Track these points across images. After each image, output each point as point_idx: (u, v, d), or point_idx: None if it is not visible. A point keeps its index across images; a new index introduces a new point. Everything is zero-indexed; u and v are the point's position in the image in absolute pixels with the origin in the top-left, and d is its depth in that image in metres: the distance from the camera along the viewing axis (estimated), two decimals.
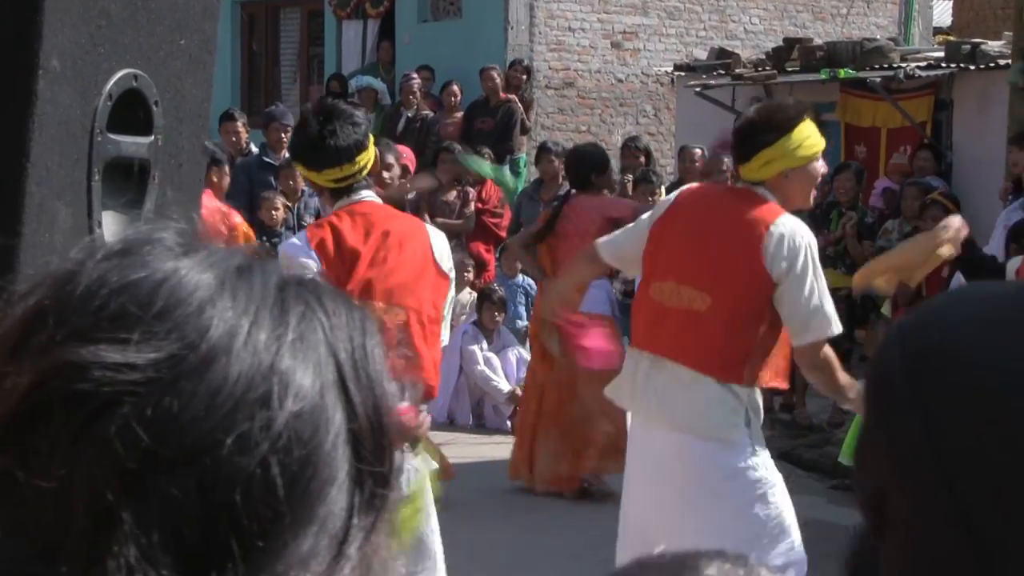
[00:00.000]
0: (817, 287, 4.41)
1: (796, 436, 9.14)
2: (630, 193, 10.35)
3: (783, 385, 4.81)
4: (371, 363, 0.82)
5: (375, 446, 0.81)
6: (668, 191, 10.99)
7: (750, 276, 4.43)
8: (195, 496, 0.75)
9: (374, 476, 0.81)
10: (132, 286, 0.78)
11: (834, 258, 9.52)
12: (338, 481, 0.79)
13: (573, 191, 8.14)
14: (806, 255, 4.41)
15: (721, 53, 13.12)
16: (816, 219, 9.78)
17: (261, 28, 17.34)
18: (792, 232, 4.43)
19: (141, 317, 0.77)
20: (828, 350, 4.50)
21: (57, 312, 0.78)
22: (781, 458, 9.22)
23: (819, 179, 4.66)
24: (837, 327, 4.45)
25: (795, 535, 4.62)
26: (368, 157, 4.38)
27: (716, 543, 4.03)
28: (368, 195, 4.42)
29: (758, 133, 4.53)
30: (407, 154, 10.98)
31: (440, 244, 4.41)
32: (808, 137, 4.55)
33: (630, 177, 10.72)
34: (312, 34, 16.95)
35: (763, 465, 4.57)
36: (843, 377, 4.59)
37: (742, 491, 4.52)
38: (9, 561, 0.75)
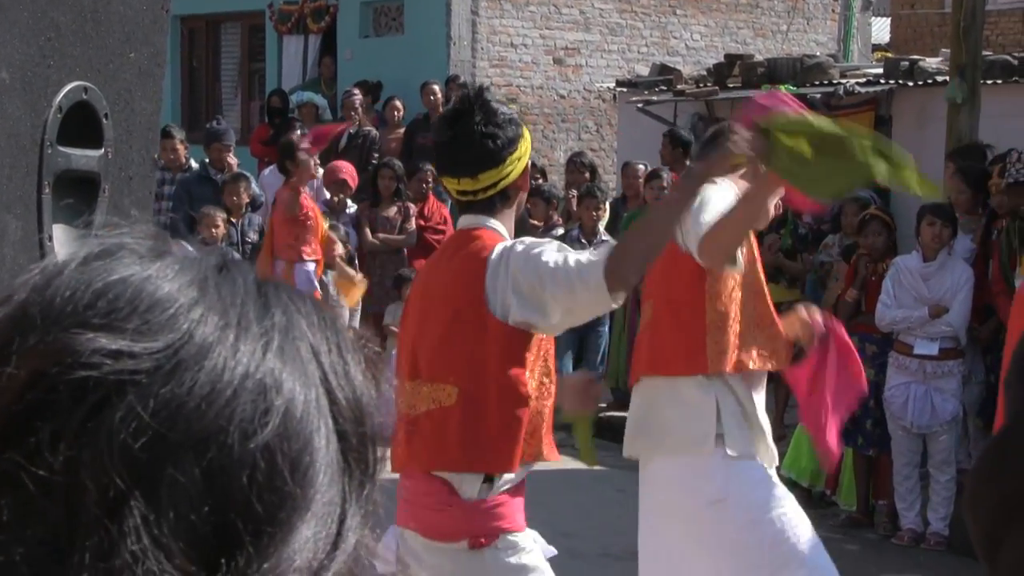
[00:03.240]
0: (707, 207, 3.92)
1: None
2: (574, 208, 10.38)
3: (776, 366, 4.25)
4: (346, 358, 0.84)
5: (359, 440, 0.83)
6: (612, 207, 11.05)
7: (669, 259, 4.03)
8: (203, 483, 0.75)
9: (361, 468, 0.83)
10: (117, 285, 0.79)
11: (772, 272, 9.58)
12: (332, 472, 0.80)
13: None
14: (703, 196, 3.95)
15: (663, 69, 13.19)
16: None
17: (201, 43, 17.22)
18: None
19: (132, 312, 0.78)
20: (717, 229, 3.87)
21: (44, 313, 0.78)
22: None
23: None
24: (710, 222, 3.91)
25: (812, 561, 4.10)
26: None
27: None
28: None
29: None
30: (348, 170, 10.95)
31: None
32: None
33: (575, 192, 10.75)
34: (253, 49, 16.86)
35: (749, 482, 4.08)
36: (737, 209, 3.83)
37: (726, 520, 4.08)
38: (18, 556, 0.75)
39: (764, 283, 4.29)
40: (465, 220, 3.61)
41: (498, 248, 3.47)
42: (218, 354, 0.78)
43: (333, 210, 10.62)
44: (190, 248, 0.85)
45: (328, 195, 10.83)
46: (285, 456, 0.78)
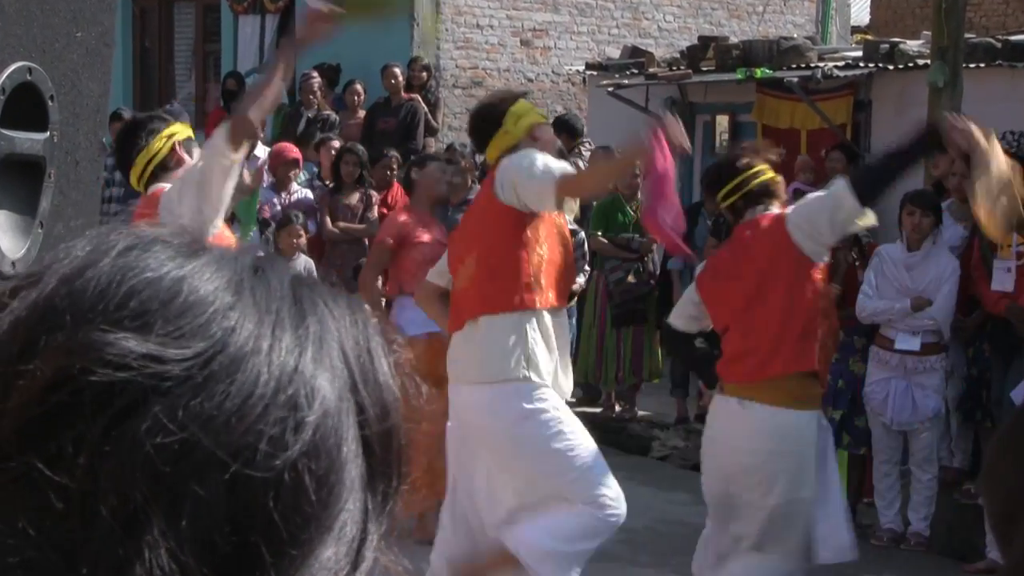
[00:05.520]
0: (534, 159, 4.98)
1: None
2: None
3: (562, 303, 5.25)
4: (377, 365, 0.82)
5: (384, 451, 0.81)
6: None
7: (488, 215, 5.17)
8: (227, 501, 0.74)
9: (385, 482, 0.81)
10: (151, 284, 0.77)
11: None
12: (356, 487, 0.79)
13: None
14: (520, 159, 5.02)
15: (634, 52, 13.08)
16: (720, 227, 9.63)
17: (154, 23, 17.04)
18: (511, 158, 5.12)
19: (165, 315, 0.76)
20: (575, 173, 5.15)
21: (73, 309, 0.76)
22: (696, 469, 9.10)
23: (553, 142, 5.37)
24: (562, 168, 5.04)
25: (604, 472, 5.06)
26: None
27: (528, 489, 5.39)
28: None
29: (484, 128, 5.27)
30: (297, 150, 10.65)
31: None
32: (523, 112, 5.26)
33: None
34: (208, 29, 16.64)
35: (552, 405, 5.05)
36: (608, 161, 5.34)
37: (537, 431, 4.99)
38: (30, 561, 0.73)
39: (566, 231, 5.32)
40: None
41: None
42: (251, 366, 0.76)
43: (279, 190, 10.35)
44: (226, 246, 0.83)
45: (270, 178, 10.57)
46: (312, 474, 0.76)
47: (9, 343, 0.77)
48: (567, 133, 11.50)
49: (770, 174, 5.50)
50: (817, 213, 5.22)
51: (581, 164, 11.19)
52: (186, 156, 4.66)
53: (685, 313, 5.62)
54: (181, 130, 4.82)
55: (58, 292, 0.78)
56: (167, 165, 4.69)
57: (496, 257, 5.09)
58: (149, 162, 4.72)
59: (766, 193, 5.43)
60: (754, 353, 5.30)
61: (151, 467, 0.73)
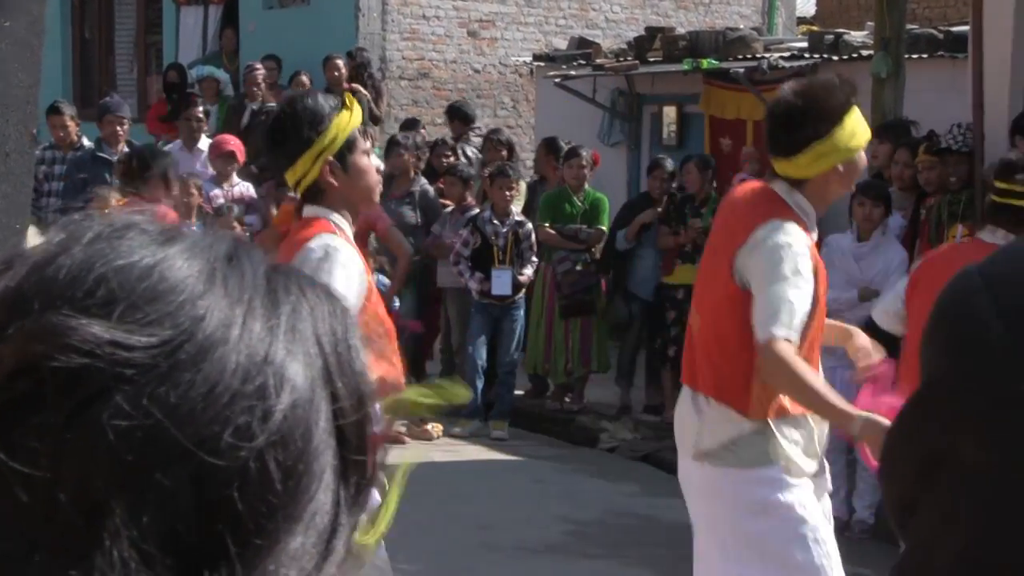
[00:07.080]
0: (791, 287, 3.81)
1: (661, 438, 8.93)
2: (490, 186, 10.04)
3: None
4: (353, 356, 0.82)
5: (359, 442, 0.81)
6: (529, 188, 10.73)
7: (724, 283, 3.93)
8: (191, 491, 0.73)
9: (358, 472, 0.81)
10: (121, 271, 0.76)
11: (691, 253, 9.37)
12: (327, 477, 0.79)
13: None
14: (783, 256, 3.84)
15: (581, 43, 13.02)
16: (671, 215, 9.66)
17: (93, 13, 16.79)
18: (771, 233, 3.90)
19: (133, 303, 0.75)
20: (798, 359, 3.83)
21: (42, 296, 0.76)
22: (644, 460, 9.14)
23: (863, 169, 4.20)
24: (793, 333, 3.81)
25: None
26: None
27: None
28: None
29: (807, 123, 3.92)
30: (234, 142, 10.50)
31: None
32: (859, 123, 4.02)
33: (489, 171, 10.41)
34: (150, 20, 16.43)
35: (800, 503, 4.01)
36: (820, 386, 3.85)
37: (773, 530, 4.02)
38: None
39: (819, 328, 4.15)
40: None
41: None
42: (219, 355, 0.75)
43: (220, 182, 10.24)
44: (199, 232, 0.81)
45: (212, 170, 10.44)
46: (279, 465, 0.75)
47: None
48: (460, 120, 11.74)
49: None
50: None
51: (470, 152, 11.25)
52: (334, 181, 3.89)
53: (893, 309, 4.92)
54: (340, 131, 3.91)
55: (28, 279, 0.77)
56: (319, 186, 3.94)
57: (719, 328, 4.03)
58: (297, 183, 3.96)
59: (1018, 223, 4.85)
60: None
61: (113, 455, 0.72)
